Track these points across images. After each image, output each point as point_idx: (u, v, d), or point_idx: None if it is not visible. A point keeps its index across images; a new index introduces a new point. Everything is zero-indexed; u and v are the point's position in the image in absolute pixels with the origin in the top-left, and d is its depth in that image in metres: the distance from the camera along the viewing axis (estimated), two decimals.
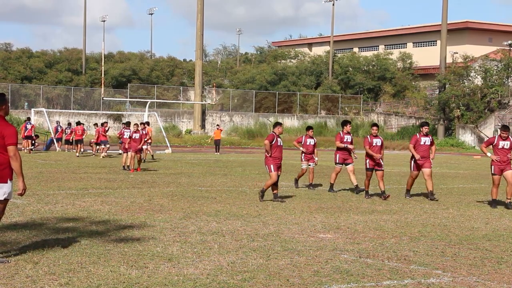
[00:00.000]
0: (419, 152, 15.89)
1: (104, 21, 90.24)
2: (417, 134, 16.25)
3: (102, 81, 45.66)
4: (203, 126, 64.36)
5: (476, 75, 62.30)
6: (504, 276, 7.85)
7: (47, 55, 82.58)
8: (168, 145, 42.42)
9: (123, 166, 24.14)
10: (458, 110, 60.40)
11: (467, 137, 58.22)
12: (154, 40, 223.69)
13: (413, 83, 76.35)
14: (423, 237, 10.38)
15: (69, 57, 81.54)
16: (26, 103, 65.47)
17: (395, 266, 8.19)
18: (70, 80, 76.82)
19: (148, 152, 30.04)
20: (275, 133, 14.81)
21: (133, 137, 23.67)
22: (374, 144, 16.25)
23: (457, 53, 67.46)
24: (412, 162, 16.06)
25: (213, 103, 65.40)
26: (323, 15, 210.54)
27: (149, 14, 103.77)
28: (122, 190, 16.45)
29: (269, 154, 14.60)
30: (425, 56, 78.54)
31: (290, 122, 67.31)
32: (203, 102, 62.68)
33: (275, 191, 14.88)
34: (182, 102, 70.36)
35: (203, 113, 64.69)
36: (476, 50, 72.32)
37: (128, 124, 27.07)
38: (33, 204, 13.03)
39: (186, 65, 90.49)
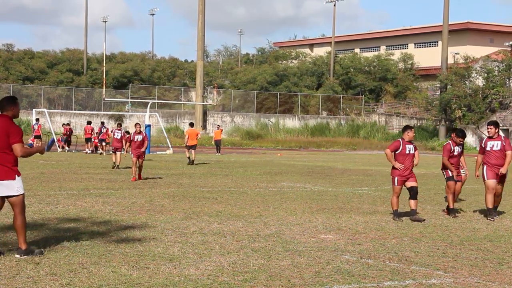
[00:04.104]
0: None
1: (105, 21, 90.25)
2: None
3: (104, 82, 45.72)
4: (204, 127, 64.40)
5: (478, 76, 62.30)
6: (506, 277, 7.84)
7: (48, 56, 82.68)
8: (170, 146, 42.45)
9: (117, 165, 24.84)
10: (460, 111, 60.37)
11: (468, 138, 58.08)
12: (154, 41, 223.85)
13: (415, 83, 76.37)
14: (424, 238, 10.37)
15: (70, 58, 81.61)
16: None
17: (396, 267, 8.18)
18: (71, 80, 76.90)
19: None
20: (403, 139, 12.43)
21: (135, 140, 20.25)
22: (456, 153, 13.36)
23: (458, 53, 67.47)
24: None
25: (214, 104, 65.39)
26: (323, 15, 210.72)
27: (151, 14, 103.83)
28: (123, 191, 16.46)
29: (395, 165, 12.28)
30: (427, 57, 78.53)
31: (292, 123, 67.31)
32: (205, 103, 62.74)
33: (413, 208, 12.37)
34: (184, 102, 70.42)
35: (205, 114, 64.75)
36: (477, 50, 72.29)
37: (119, 125, 27.73)
38: (34, 204, 13.03)
39: (187, 66, 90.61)
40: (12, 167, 8.10)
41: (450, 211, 13.22)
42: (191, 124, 30.89)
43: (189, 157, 28.12)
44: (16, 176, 8.13)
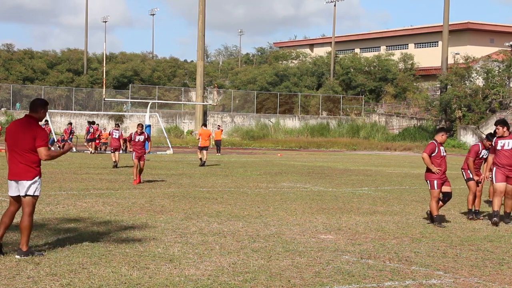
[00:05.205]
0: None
1: (105, 21, 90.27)
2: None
3: (104, 82, 45.77)
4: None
5: (478, 76, 62.28)
6: (506, 277, 7.84)
7: (48, 56, 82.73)
8: (170, 146, 42.46)
9: (115, 164, 25.29)
10: (460, 111, 60.35)
11: (468, 138, 58.20)
12: (154, 41, 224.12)
13: (415, 84, 76.38)
14: (424, 238, 10.37)
15: (70, 58, 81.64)
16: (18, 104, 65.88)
17: (397, 267, 8.18)
18: (72, 80, 76.93)
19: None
20: (436, 141, 12.01)
21: (137, 140, 19.33)
22: (481, 156, 13.06)
23: (458, 53, 67.47)
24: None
25: (215, 104, 65.37)
26: (323, 15, 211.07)
27: (151, 14, 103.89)
28: (124, 191, 16.46)
29: (433, 169, 11.81)
30: (427, 57, 78.56)
31: (292, 123, 67.30)
32: (205, 103, 62.75)
33: (435, 213, 11.88)
34: (184, 103, 70.44)
35: (205, 114, 64.75)
36: (478, 51, 72.32)
37: (117, 125, 28.29)
38: None
39: (187, 66, 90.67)
40: (36, 168, 8.21)
41: (469, 212, 12.91)
42: (204, 125, 30.10)
43: (200, 158, 27.43)
44: (38, 177, 8.23)
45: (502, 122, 12.36)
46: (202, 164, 27.09)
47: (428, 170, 11.94)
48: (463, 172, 13.29)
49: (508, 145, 12.13)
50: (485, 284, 7.47)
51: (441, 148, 11.95)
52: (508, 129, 12.25)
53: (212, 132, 34.40)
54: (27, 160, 8.14)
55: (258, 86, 75.85)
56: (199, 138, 28.52)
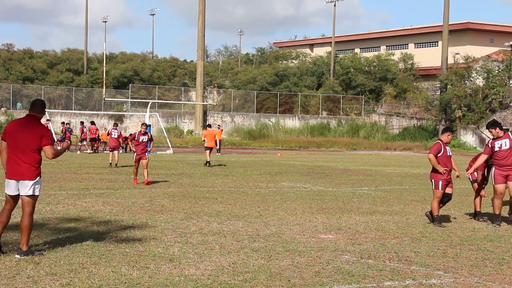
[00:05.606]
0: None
1: (105, 21, 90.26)
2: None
3: (104, 82, 45.76)
4: (204, 127, 64.38)
5: (478, 76, 62.26)
6: (506, 277, 7.84)
7: (48, 56, 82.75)
8: (170, 146, 42.47)
9: (110, 164, 25.59)
10: (460, 111, 60.34)
11: (468, 138, 58.20)
12: (154, 41, 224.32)
13: (415, 83, 76.35)
14: (424, 238, 10.37)
15: (70, 57, 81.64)
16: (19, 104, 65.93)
17: (397, 267, 8.18)
18: (71, 80, 76.93)
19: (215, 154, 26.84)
20: (441, 141, 11.91)
21: (141, 140, 19.01)
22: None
23: (458, 53, 67.45)
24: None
25: (215, 104, 65.36)
26: (323, 15, 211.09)
27: (151, 14, 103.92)
28: (124, 191, 16.46)
29: (440, 169, 11.68)
30: (427, 57, 78.54)
31: (292, 123, 67.30)
32: (205, 103, 62.71)
33: (436, 213, 11.87)
34: (184, 102, 70.41)
35: (205, 114, 64.73)
36: (478, 50, 72.31)
37: (116, 125, 28.33)
38: None
39: (187, 66, 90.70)
40: (38, 168, 8.26)
41: (478, 213, 12.80)
42: (209, 126, 30.02)
43: (209, 161, 27.06)
44: (39, 177, 8.28)
45: (493, 124, 12.06)
46: (209, 164, 26.96)
47: (434, 170, 11.82)
48: (469, 176, 13.10)
49: (506, 145, 11.81)
50: (485, 284, 7.47)
51: (447, 148, 11.83)
52: (501, 128, 11.94)
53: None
54: (32, 160, 8.16)
55: (258, 86, 75.85)
56: (204, 140, 28.53)
